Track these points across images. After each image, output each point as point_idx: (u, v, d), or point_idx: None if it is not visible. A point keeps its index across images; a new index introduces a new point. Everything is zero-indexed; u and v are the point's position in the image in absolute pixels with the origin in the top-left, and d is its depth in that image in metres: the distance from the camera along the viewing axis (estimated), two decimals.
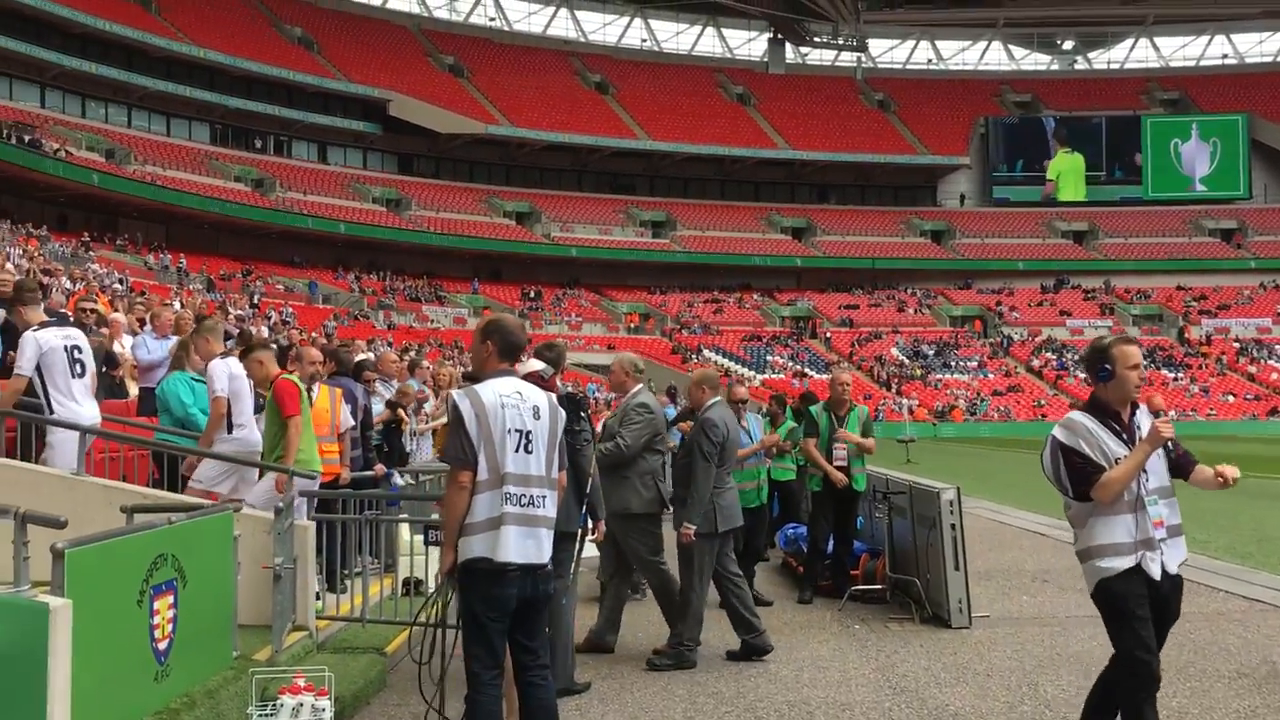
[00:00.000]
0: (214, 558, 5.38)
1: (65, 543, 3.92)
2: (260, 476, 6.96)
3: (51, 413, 6.90)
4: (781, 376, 53.48)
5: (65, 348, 7.05)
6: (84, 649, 3.90)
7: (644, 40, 76.23)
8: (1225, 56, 78.60)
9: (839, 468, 8.94)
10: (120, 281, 30.32)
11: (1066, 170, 72.34)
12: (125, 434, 7.97)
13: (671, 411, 17.79)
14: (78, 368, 7.10)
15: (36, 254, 28.37)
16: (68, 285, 23.79)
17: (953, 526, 7.84)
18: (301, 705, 4.90)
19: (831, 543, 9.23)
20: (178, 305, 25.05)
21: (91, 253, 38.21)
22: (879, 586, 8.80)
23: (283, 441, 6.84)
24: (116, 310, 15.21)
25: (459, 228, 59.84)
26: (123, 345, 10.90)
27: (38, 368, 6.89)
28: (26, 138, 42.33)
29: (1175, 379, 57.71)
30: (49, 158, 42.56)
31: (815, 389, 22.77)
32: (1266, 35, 76.89)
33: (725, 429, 7.20)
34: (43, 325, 7.12)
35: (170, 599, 4.73)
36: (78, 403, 7.01)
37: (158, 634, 4.64)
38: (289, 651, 5.99)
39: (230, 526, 5.64)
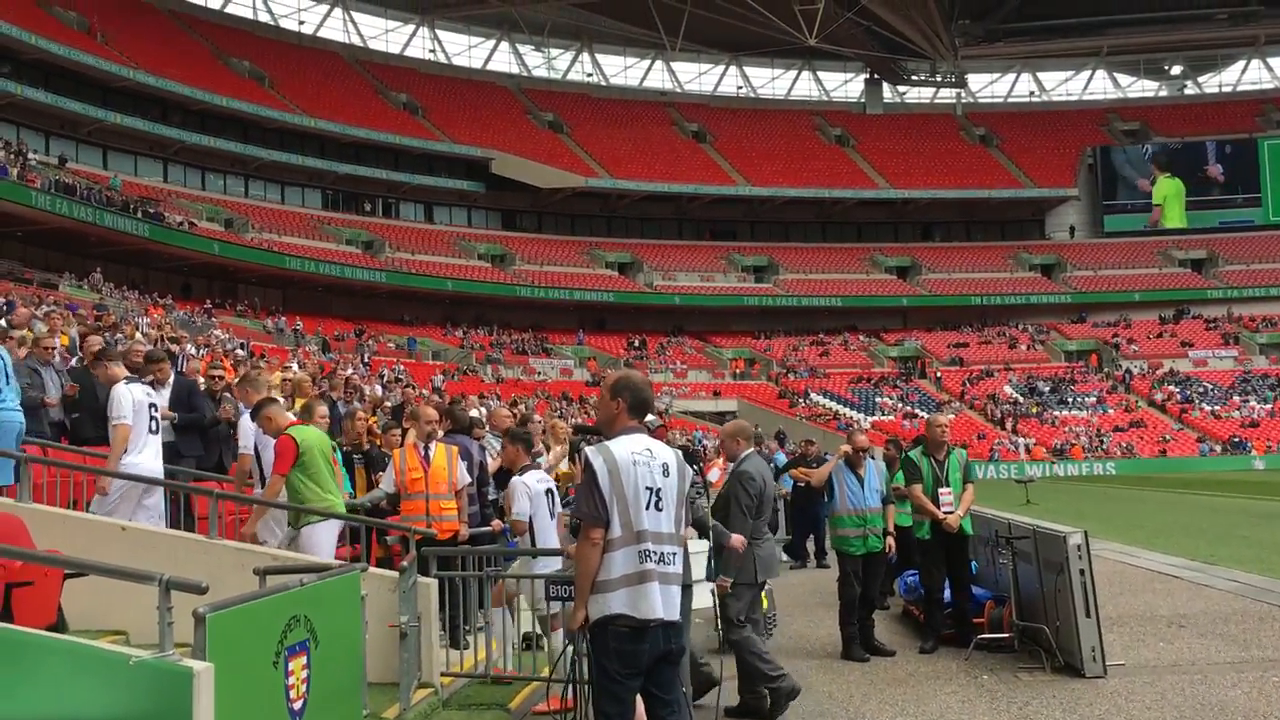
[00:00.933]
0: (343, 617, 5.49)
1: (206, 607, 4.05)
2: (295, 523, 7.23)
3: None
4: (891, 418, 52.65)
5: (147, 405, 7.44)
6: (225, 711, 4.00)
7: (740, 87, 76.70)
8: None
9: (948, 513, 8.77)
10: (242, 346, 31.40)
11: (1171, 195, 70.27)
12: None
13: (781, 458, 17.71)
14: (153, 424, 7.46)
15: (164, 322, 29.60)
16: (192, 351, 24.74)
17: (1081, 572, 7.61)
18: None
19: (949, 590, 9.03)
20: (295, 367, 25.84)
21: (214, 319, 39.72)
22: (1006, 635, 8.56)
23: (265, 492, 7.26)
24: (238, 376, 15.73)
25: (562, 280, 60.65)
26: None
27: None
28: (151, 211, 44.36)
29: None
30: (175, 230, 44.52)
31: None
32: None
33: (761, 481, 7.19)
34: (127, 380, 7.51)
35: (304, 659, 4.84)
36: (142, 455, 7.35)
37: (293, 694, 4.74)
38: (416, 709, 6.07)
39: (358, 586, 5.76)
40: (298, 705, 4.78)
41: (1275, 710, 6.37)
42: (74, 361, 10.95)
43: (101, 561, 4.50)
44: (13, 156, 39.45)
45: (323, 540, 7.08)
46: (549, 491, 7.74)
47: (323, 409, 8.58)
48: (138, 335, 21.88)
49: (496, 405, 15.76)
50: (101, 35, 49.25)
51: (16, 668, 3.89)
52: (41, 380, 9.20)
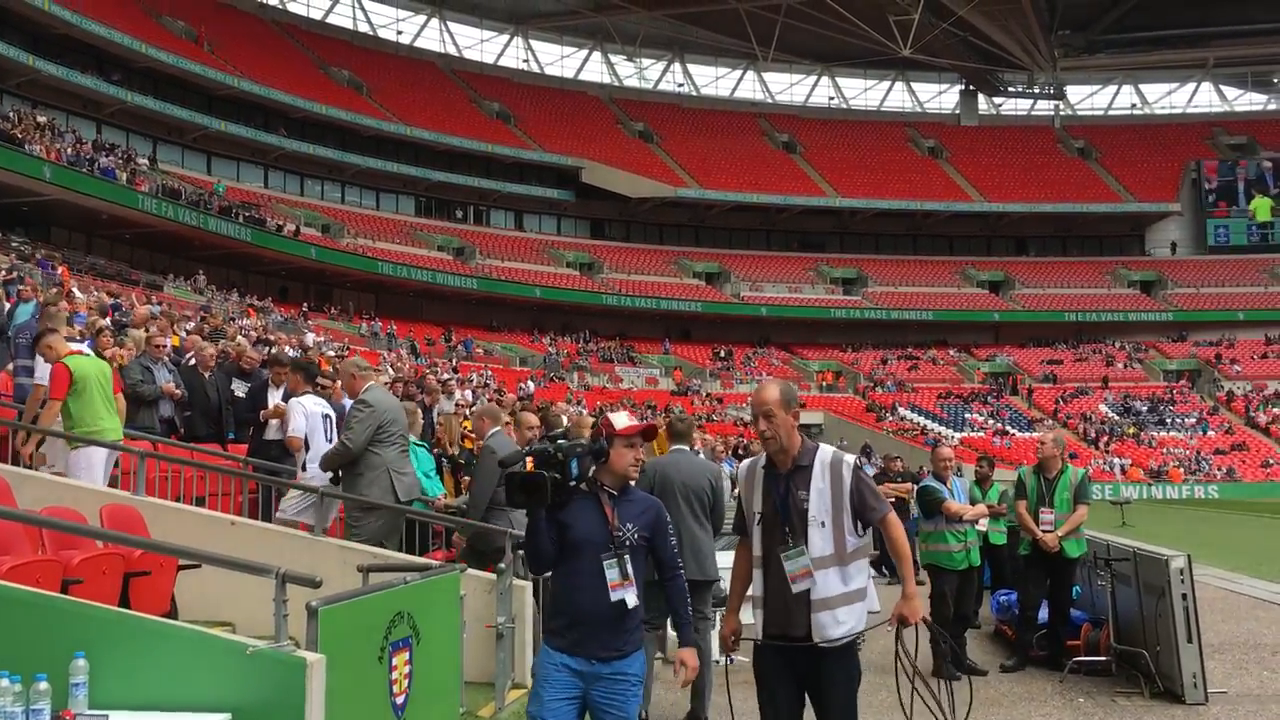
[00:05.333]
0: (444, 616, 5.61)
1: (319, 601, 4.19)
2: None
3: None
4: (981, 435, 51.74)
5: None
6: (334, 702, 4.12)
7: (831, 98, 76.17)
8: None
9: (1046, 532, 8.60)
10: (342, 352, 31.97)
11: (1262, 210, 68.18)
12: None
13: (868, 471, 17.54)
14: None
15: (262, 324, 30.38)
16: (290, 352, 25.33)
17: (1184, 596, 7.44)
18: None
19: (1044, 612, 8.86)
20: (390, 370, 26.32)
21: (309, 322, 40.65)
22: (1103, 658, 8.38)
23: (42, 416, 7.73)
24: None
25: (649, 289, 60.81)
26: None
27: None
28: (252, 215, 45.59)
29: None
30: (275, 235, 45.67)
31: (1024, 447, 22.00)
32: None
33: (504, 450, 7.35)
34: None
35: (407, 655, 4.96)
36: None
37: (396, 689, 4.86)
38: (510, 709, 6.17)
39: (458, 586, 5.87)
40: (400, 700, 4.90)
41: None
42: (183, 361, 11.31)
43: (219, 553, 4.67)
44: (122, 161, 40.86)
45: (89, 463, 7.58)
46: (326, 416, 8.39)
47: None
48: (239, 338, 22.50)
49: (576, 413, 15.87)
50: (208, 44, 50.79)
51: (138, 653, 4.06)
52: (154, 377, 9.55)
